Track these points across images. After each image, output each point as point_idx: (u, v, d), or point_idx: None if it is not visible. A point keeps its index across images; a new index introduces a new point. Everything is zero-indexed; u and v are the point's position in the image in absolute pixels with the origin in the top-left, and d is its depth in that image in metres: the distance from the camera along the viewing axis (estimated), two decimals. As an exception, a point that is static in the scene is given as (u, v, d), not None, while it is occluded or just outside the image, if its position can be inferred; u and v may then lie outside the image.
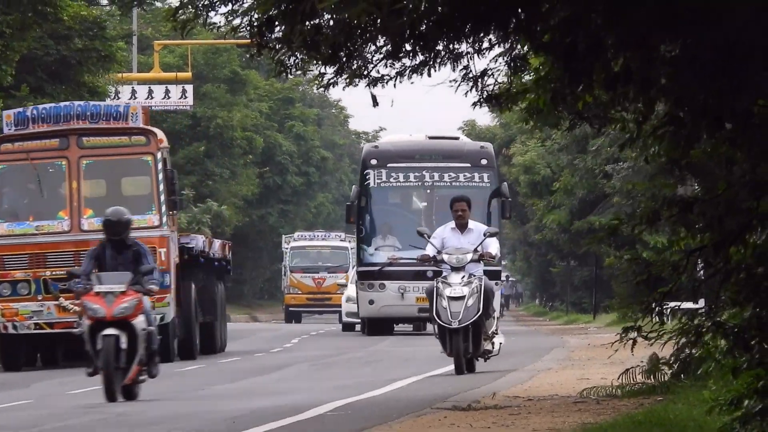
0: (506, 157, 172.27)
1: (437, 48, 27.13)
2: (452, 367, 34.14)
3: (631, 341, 35.39)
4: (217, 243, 61.81)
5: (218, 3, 29.66)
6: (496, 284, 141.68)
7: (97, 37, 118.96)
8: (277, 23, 27.53)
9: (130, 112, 32.40)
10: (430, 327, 70.02)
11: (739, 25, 23.06)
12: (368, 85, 29.87)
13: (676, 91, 26.41)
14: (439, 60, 28.03)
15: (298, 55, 29.88)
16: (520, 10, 25.03)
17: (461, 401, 45.20)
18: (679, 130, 28.11)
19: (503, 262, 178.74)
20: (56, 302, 34.33)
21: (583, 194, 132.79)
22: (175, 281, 42.80)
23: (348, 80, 29.45)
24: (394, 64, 28.45)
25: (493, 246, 25.75)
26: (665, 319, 34.25)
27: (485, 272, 36.48)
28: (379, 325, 58.32)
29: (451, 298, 26.92)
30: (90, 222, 32.78)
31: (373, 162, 59.02)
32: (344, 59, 28.24)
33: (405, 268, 54.89)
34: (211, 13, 29.95)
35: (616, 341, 37.65)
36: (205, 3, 29.12)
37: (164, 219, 35.10)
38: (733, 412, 27.45)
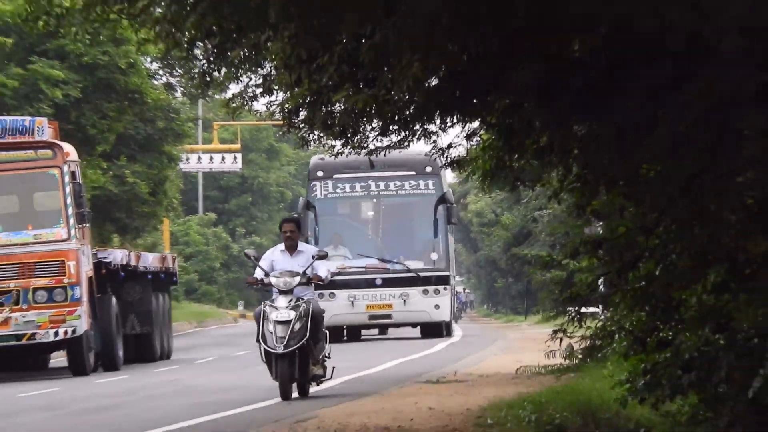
0: (463, 205, 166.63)
1: (415, 128, 26.89)
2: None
3: (560, 337, 37.62)
4: (151, 256, 54.27)
5: (259, 95, 28.11)
6: (460, 292, 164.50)
7: (173, 120, 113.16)
8: (301, 110, 27.45)
9: (36, 126, 28.93)
10: (391, 331, 76.65)
11: (628, 113, 21.88)
12: (367, 153, 30.33)
13: (585, 158, 26.55)
14: (416, 136, 28.09)
15: (317, 133, 29.23)
16: (474, 100, 25.07)
17: (432, 377, 44.75)
18: (586, 187, 28.42)
19: (459, 278, 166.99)
20: None
21: (516, 230, 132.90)
22: (88, 294, 36.99)
23: (352, 150, 29.38)
24: (383, 139, 28.63)
25: (322, 269, 21.86)
26: (582, 322, 36.03)
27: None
28: (334, 333, 40.42)
29: (278, 322, 22.75)
30: (0, 237, 29.51)
31: (320, 174, 52.60)
32: (349, 135, 27.78)
33: (354, 277, 49.76)
34: (254, 103, 28.58)
35: (548, 340, 38.61)
36: (250, 95, 27.72)
37: (73, 232, 30.33)
38: (625, 386, 28.15)
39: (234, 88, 29.58)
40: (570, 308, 35.83)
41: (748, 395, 24.29)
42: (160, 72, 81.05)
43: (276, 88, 26.94)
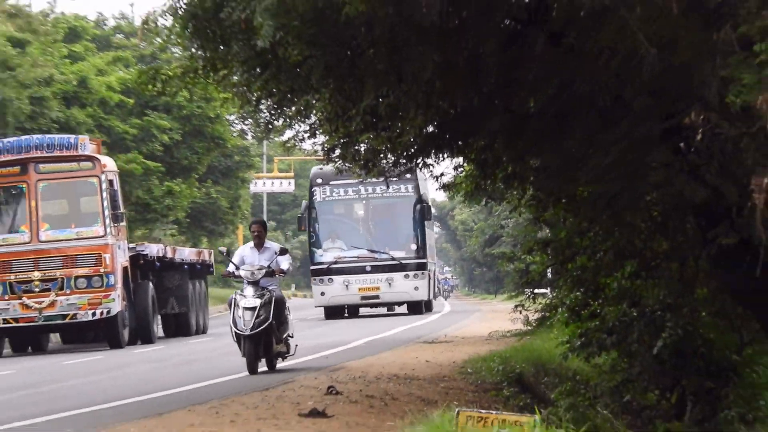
0: (451, 216, 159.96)
1: (417, 161, 26.72)
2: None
3: (520, 310, 41.36)
4: (187, 250, 49.61)
5: (306, 138, 28.13)
6: (447, 279, 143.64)
7: (245, 155, 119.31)
8: (337, 149, 27.54)
9: (79, 143, 26.96)
10: (383, 309, 66.86)
11: (568, 151, 21.64)
12: (384, 179, 30.94)
13: (537, 184, 26.49)
14: (418, 167, 28.75)
15: (348, 164, 28.92)
16: (459, 142, 24.92)
17: (428, 339, 44.15)
18: (538, 203, 29.51)
19: (447, 268, 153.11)
20: (20, 301, 27.85)
21: (489, 234, 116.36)
22: (122, 281, 33.14)
23: (373, 176, 30.35)
24: (395, 168, 28.43)
25: (284, 262, 21.09)
26: (535, 300, 39.34)
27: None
28: (332, 311, 48.81)
29: (245, 308, 21.38)
30: (47, 234, 27.01)
31: (319, 181, 48.46)
32: (371, 166, 27.42)
33: (348, 265, 46.00)
34: (303, 143, 28.74)
35: (511, 312, 43.33)
36: (300, 138, 27.81)
37: (108, 230, 28.22)
38: (566, 345, 29.65)
39: (288, 133, 30.74)
40: (527, 290, 39.97)
41: (652, 352, 25.99)
42: (236, 121, 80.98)
43: (319, 132, 27.08)
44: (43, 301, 25.73)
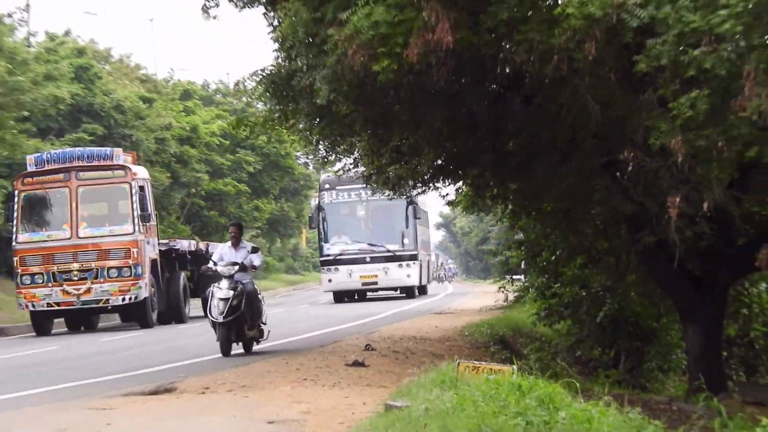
0: (454, 224, 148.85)
1: (430, 184, 26.75)
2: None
3: (503, 291, 40.46)
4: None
5: (351, 168, 29.01)
6: (450, 267, 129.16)
7: (308, 180, 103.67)
8: (373, 176, 26.87)
9: (114, 154, 25.99)
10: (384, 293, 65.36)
11: (537, 179, 21.60)
12: (407, 198, 33.80)
13: (514, 201, 26.64)
14: (430, 188, 28.03)
15: (380, 186, 28.05)
16: (460, 171, 24.92)
17: (436, 311, 43.59)
18: (515, 215, 29.08)
19: (450, 261, 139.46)
20: (61, 288, 26.36)
21: (480, 236, 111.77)
22: (150, 271, 30.28)
23: (399, 196, 30.42)
24: (415, 190, 28.56)
25: (256, 259, 20.86)
26: (513, 283, 39.19)
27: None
28: (338, 296, 44.70)
29: (220, 299, 20.42)
30: (84, 231, 25.92)
31: (327, 186, 43.97)
32: (397, 187, 27.18)
33: (351, 256, 41.94)
34: (349, 172, 29.88)
35: (496, 292, 42.15)
36: (347, 168, 29.00)
37: (136, 228, 26.82)
38: (535, 316, 31.37)
39: (338, 164, 30.18)
40: (507, 276, 39.55)
41: (596, 321, 27.34)
42: (301, 156, 80.00)
43: (360, 164, 27.37)
44: (81, 288, 25.24)
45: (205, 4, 21.13)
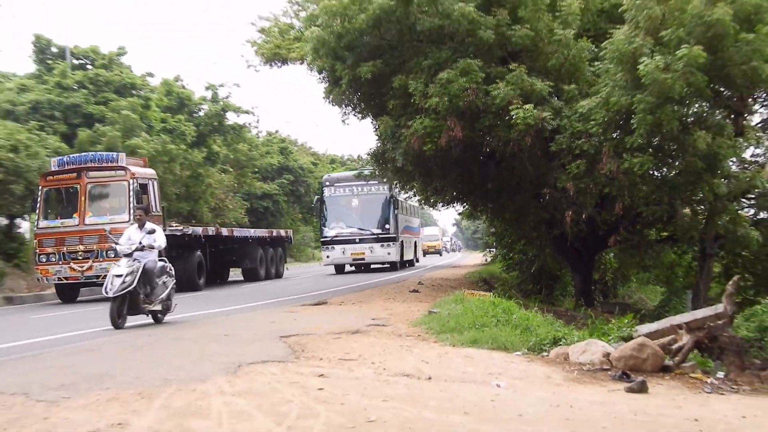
0: (460, 223, 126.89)
1: (450, 204, 27.26)
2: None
3: (485, 257, 40.98)
4: (253, 231, 36.29)
5: (413, 196, 30.87)
6: (458, 244, 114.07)
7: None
8: (422, 199, 28.46)
9: (119, 158, 24.27)
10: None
11: (503, 202, 23.30)
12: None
13: (492, 213, 27.02)
14: (448, 206, 28.33)
15: (426, 204, 30.16)
16: (464, 198, 26.09)
17: (452, 265, 47.12)
18: (492, 220, 29.68)
19: (459, 242, 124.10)
20: (68, 265, 23.83)
21: (473, 230, 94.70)
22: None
23: (433, 207, 29.91)
24: (444, 207, 28.68)
25: (158, 239, 16.81)
26: (490, 252, 38.82)
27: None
28: (338, 268, 39.40)
29: (114, 275, 16.48)
30: (90, 219, 23.27)
31: (327, 183, 39.98)
32: (434, 204, 28.14)
33: (345, 238, 38.03)
34: (408, 195, 31.16)
35: (483, 257, 42.92)
36: (411, 196, 29.90)
37: (131, 217, 22.42)
38: (503, 269, 32.37)
39: (405, 194, 32.96)
40: (487, 249, 40.39)
41: (530, 271, 29.21)
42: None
43: (414, 193, 28.42)
44: (84, 266, 21.91)
45: (343, 120, 22.18)
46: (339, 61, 18.25)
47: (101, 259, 21.25)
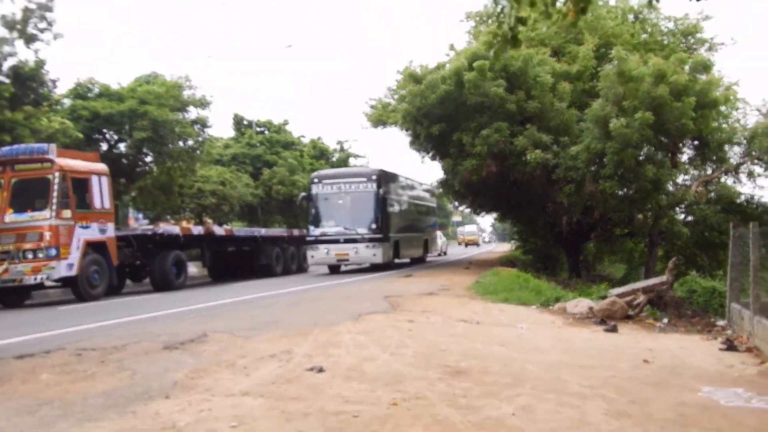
0: (495, 225, 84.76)
1: (490, 213, 26.28)
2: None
3: (511, 245, 34.79)
4: (265, 230, 25.15)
5: (461, 207, 28.82)
6: (492, 236, 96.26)
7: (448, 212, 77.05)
8: (471, 209, 27.33)
9: (49, 149, 14.71)
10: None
11: (523, 211, 22.38)
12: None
13: (513, 218, 25.80)
14: (489, 214, 27.45)
15: (475, 212, 28.40)
16: (498, 209, 24.93)
17: (491, 251, 42.48)
18: (514, 222, 27.95)
19: (493, 236, 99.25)
20: None
21: (502, 229, 68.69)
22: (83, 252, 15.05)
23: (477, 214, 28.61)
24: (484, 213, 27.01)
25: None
26: (514, 243, 33.60)
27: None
28: (332, 268, 23.74)
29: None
30: (10, 217, 14.62)
31: (315, 180, 23.32)
32: (477, 210, 26.66)
33: (329, 237, 22.66)
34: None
35: (510, 245, 38.02)
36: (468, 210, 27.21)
37: (53, 214, 14.39)
38: (520, 252, 28.90)
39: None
40: (512, 240, 35.50)
41: (540, 255, 26.81)
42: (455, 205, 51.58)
43: (462, 205, 26.80)
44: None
45: (421, 160, 22.07)
46: (418, 124, 18.99)
47: (17, 261, 14.14)
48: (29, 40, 17.55)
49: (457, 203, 28.97)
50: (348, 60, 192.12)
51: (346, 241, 20.43)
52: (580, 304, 9.87)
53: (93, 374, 5.19)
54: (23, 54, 18.95)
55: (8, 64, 17.46)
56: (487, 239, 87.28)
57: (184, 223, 26.77)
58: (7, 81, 17.07)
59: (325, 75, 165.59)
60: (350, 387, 4.58)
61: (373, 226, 20.40)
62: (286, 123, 37.82)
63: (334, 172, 22.27)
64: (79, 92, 22.87)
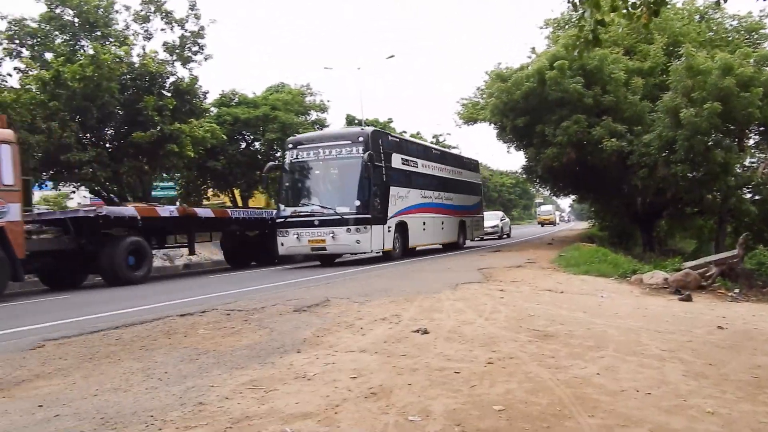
0: (573, 205, 69.84)
1: (573, 194, 24.57)
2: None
3: (590, 224, 32.77)
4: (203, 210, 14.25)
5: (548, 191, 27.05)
6: (570, 217, 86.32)
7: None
8: (552, 191, 26.19)
9: None
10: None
11: (599, 191, 21.64)
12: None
13: (592, 199, 24.68)
14: (568, 196, 26.16)
15: (543, 187, 26.72)
16: (578, 191, 23.61)
17: (571, 228, 40.33)
18: (592, 202, 26.83)
19: (571, 215, 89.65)
20: None
21: (580, 209, 64.26)
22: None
23: (557, 196, 25.65)
24: (563, 195, 25.63)
25: None
26: (591, 221, 31.36)
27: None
28: (324, 259, 14.86)
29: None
30: None
31: (290, 146, 14.22)
32: (557, 193, 25.30)
33: (301, 219, 13.66)
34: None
35: (588, 223, 35.01)
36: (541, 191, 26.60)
37: None
38: (597, 229, 27.13)
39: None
40: (590, 219, 33.68)
41: (615, 232, 25.21)
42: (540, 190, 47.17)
43: (546, 189, 25.56)
44: None
45: (507, 150, 21.15)
46: (505, 117, 18.63)
47: None
48: (185, 61, 18.65)
49: (539, 187, 27.75)
50: (439, 64, 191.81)
51: (322, 223, 13.36)
52: (656, 276, 9.31)
53: (239, 330, 5.39)
54: (180, 73, 19.83)
55: (170, 81, 18.36)
56: (566, 218, 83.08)
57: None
58: (170, 96, 17.88)
59: (421, 78, 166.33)
60: (451, 347, 4.51)
61: (358, 202, 13.26)
62: (390, 121, 37.60)
63: (313, 135, 14.91)
64: (223, 101, 23.98)
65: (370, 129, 14.24)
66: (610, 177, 18.48)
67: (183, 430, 2.88)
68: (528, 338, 4.80)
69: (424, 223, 16.33)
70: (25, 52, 16.48)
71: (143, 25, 18.01)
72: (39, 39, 16.57)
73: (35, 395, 3.60)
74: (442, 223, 17.92)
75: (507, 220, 29.03)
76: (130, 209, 12.19)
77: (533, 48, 21.55)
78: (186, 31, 18.30)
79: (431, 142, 40.10)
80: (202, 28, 18.40)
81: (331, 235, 13.19)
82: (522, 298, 7.05)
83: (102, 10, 17.16)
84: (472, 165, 21.92)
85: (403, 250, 15.07)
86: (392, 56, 75.25)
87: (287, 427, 2.85)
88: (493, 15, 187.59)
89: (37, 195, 21.72)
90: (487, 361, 4.07)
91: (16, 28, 16.26)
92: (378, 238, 13.66)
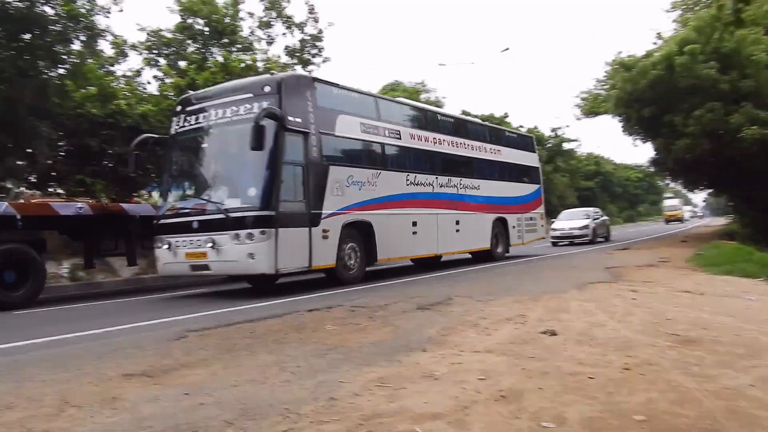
0: (707, 200, 74.31)
1: (700, 188, 23.81)
2: None
3: (726, 220, 30.96)
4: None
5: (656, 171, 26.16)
6: (702, 213, 75.68)
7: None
8: (666, 171, 25.64)
9: None
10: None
11: (750, 184, 20.46)
12: (689, 189, 20.22)
13: (729, 192, 23.73)
14: (701, 190, 24.90)
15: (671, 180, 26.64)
16: (709, 184, 23.18)
17: (705, 225, 37.87)
18: (729, 196, 25.75)
19: (704, 210, 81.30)
20: None
21: (715, 204, 63.94)
22: None
23: (689, 190, 23.97)
24: (695, 189, 24.80)
25: None
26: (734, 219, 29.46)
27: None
28: (258, 281, 9.61)
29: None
30: None
31: (178, 109, 7.76)
32: (688, 186, 25.19)
33: (176, 220, 7.63)
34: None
35: (725, 220, 32.59)
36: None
37: None
38: (736, 226, 25.25)
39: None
40: (727, 215, 31.84)
41: (751, 228, 22.55)
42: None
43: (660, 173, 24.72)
44: None
45: (633, 143, 20.89)
46: (630, 108, 18.12)
47: None
48: (305, 64, 19.02)
49: (669, 181, 26.65)
50: (556, 56, 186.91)
51: (202, 226, 8.19)
52: (811, 277, 8.25)
53: (364, 327, 5.46)
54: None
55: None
56: (699, 213, 77.17)
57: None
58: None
59: (538, 71, 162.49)
60: (582, 350, 4.29)
61: (253, 191, 7.99)
62: (506, 116, 37.37)
63: (207, 91, 9.36)
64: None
65: (285, 75, 8.81)
66: (753, 168, 17.44)
67: (317, 424, 2.93)
68: (667, 343, 4.50)
69: (414, 224, 10.74)
70: (162, 61, 17.31)
71: (266, 30, 18.63)
72: (174, 48, 17.38)
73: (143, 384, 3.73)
74: (457, 222, 11.96)
75: (604, 218, 22.79)
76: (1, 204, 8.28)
77: (659, 33, 20.72)
78: (305, 34, 18.75)
79: (550, 135, 40.65)
80: (320, 31, 18.86)
81: (211, 244, 7.95)
82: (657, 300, 6.64)
83: (229, 18, 17.87)
84: (521, 141, 15.34)
85: (368, 265, 9.60)
86: (507, 49, 74.56)
87: (417, 427, 2.82)
88: (611, 1, 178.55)
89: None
90: (623, 366, 3.84)
91: (154, 39, 17.09)
92: (292, 248, 8.02)
